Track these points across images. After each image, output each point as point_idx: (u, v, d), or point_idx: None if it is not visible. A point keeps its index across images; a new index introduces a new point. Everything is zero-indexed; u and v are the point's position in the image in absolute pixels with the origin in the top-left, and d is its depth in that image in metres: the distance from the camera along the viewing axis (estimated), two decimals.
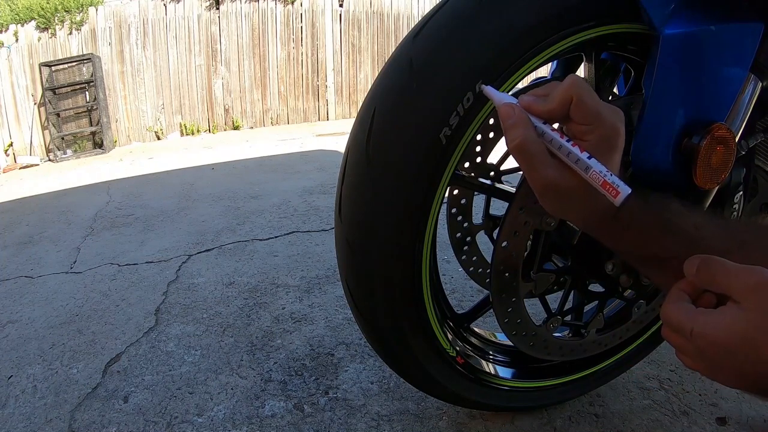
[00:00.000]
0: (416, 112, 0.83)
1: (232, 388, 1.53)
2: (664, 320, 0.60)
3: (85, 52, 7.97)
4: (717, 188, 0.94)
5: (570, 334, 1.23)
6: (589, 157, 0.58)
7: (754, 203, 1.25)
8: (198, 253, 2.74)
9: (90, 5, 7.96)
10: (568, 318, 1.18)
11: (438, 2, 0.86)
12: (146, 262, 2.67)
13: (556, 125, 0.63)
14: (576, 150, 0.58)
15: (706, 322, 0.55)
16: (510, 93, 0.90)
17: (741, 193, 1.05)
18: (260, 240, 2.86)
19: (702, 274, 0.57)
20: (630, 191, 0.56)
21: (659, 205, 0.65)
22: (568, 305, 1.17)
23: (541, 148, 0.61)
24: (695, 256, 0.59)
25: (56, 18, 7.88)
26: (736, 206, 1.06)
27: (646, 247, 0.65)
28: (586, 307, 1.20)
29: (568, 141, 0.59)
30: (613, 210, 0.62)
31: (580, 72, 1.06)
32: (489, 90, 0.67)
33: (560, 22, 0.84)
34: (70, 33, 7.96)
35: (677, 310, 0.58)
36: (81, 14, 7.93)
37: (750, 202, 1.21)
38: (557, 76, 1.11)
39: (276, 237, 2.89)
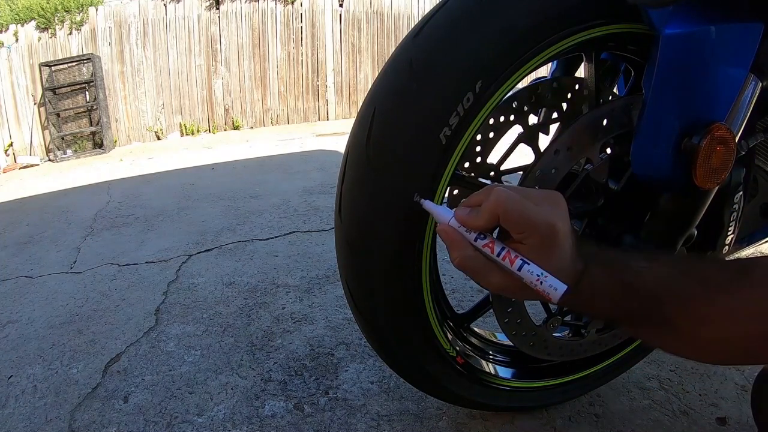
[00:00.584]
0: (416, 112, 0.83)
1: (232, 388, 1.53)
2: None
3: (85, 52, 7.98)
4: (717, 188, 0.94)
5: (570, 334, 1.23)
6: (521, 265, 0.63)
7: (754, 203, 1.25)
8: (198, 253, 2.74)
9: (90, 5, 7.96)
10: (568, 318, 1.18)
11: (438, 2, 0.86)
12: (146, 262, 2.67)
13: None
14: (506, 263, 0.64)
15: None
16: (508, 96, 0.91)
17: (741, 193, 1.05)
18: (260, 240, 2.86)
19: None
20: (565, 289, 0.61)
21: (617, 269, 0.68)
22: None
23: (480, 261, 0.66)
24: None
25: (56, 18, 7.88)
26: (736, 206, 1.06)
27: (610, 311, 0.68)
28: None
29: (502, 250, 0.64)
30: (575, 281, 0.66)
31: (580, 72, 1.06)
32: (427, 204, 0.73)
33: (560, 23, 0.84)
34: (70, 33, 7.97)
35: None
36: (81, 14, 7.94)
37: (750, 202, 1.21)
38: (557, 76, 1.11)
39: (276, 237, 2.89)
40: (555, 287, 0.61)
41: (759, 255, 0.75)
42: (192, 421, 1.41)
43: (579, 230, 1.04)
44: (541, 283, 0.61)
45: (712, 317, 0.62)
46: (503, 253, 0.64)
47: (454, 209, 0.69)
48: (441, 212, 0.70)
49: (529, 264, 0.62)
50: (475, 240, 0.66)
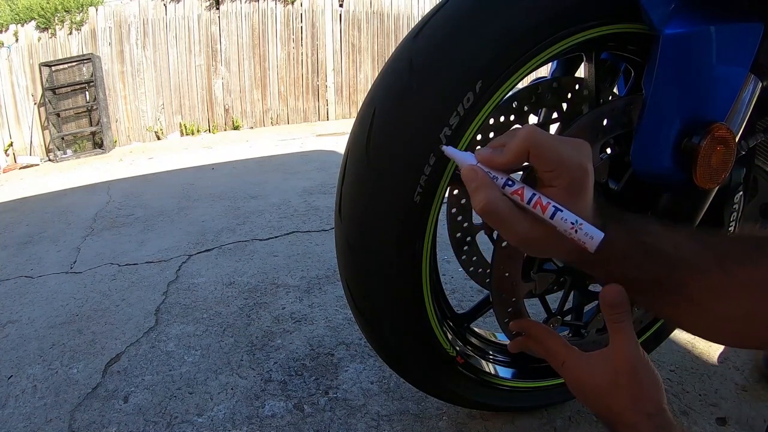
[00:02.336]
0: (416, 112, 0.83)
1: (232, 388, 1.53)
2: (540, 343, 0.65)
3: (85, 52, 7.98)
4: (717, 188, 0.94)
5: (570, 334, 1.23)
6: (555, 210, 0.57)
7: (754, 203, 1.25)
8: (198, 253, 2.74)
9: (90, 5, 7.96)
10: (568, 318, 1.18)
11: (438, 2, 0.86)
12: (146, 262, 2.67)
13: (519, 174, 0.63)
14: (538, 210, 0.58)
15: (579, 360, 0.66)
16: (508, 96, 0.91)
17: (741, 193, 1.05)
18: (260, 240, 2.86)
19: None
20: (602, 237, 0.56)
21: (638, 230, 0.64)
22: (568, 305, 1.18)
23: (508, 206, 0.60)
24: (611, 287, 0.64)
25: (56, 18, 7.88)
26: (736, 206, 1.06)
27: (628, 273, 0.64)
28: (586, 307, 1.20)
29: (533, 196, 0.59)
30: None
31: (580, 72, 1.06)
32: (450, 150, 0.67)
33: (560, 22, 0.84)
34: (70, 33, 7.96)
35: (555, 339, 0.67)
36: (81, 14, 7.94)
37: (750, 202, 1.21)
38: (557, 76, 1.11)
39: (276, 237, 2.89)
40: (591, 235, 0.57)
41: None
42: (192, 421, 1.41)
43: None
44: (576, 231, 0.57)
45: (730, 291, 0.59)
46: (534, 199, 0.59)
47: (475, 151, 0.64)
48: (465, 156, 0.64)
49: (562, 210, 0.57)
50: (503, 186, 0.60)
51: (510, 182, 0.60)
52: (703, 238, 0.66)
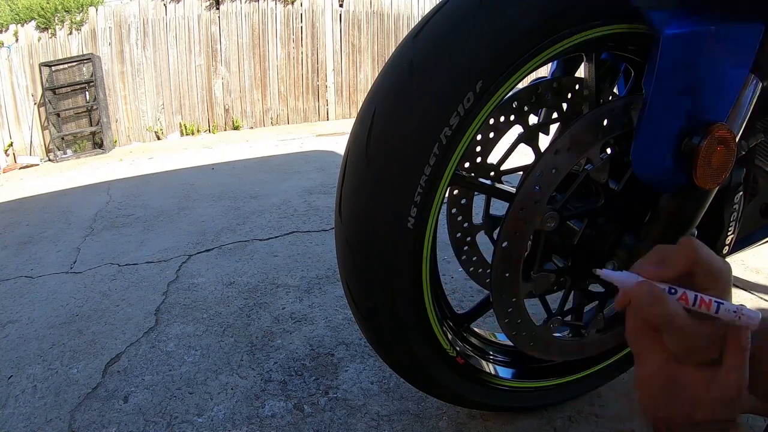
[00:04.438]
0: (417, 112, 0.83)
1: (232, 388, 1.53)
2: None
3: (85, 52, 7.97)
4: (717, 188, 0.94)
5: (570, 335, 1.23)
6: (718, 306, 0.59)
7: (754, 203, 1.25)
8: (198, 253, 2.74)
9: (90, 5, 7.96)
10: (568, 318, 1.18)
11: (438, 2, 0.86)
12: (146, 262, 2.67)
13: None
14: (703, 309, 0.60)
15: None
16: (508, 96, 0.91)
17: (741, 193, 1.05)
18: (260, 240, 2.86)
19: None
20: (759, 315, 0.58)
21: None
22: (569, 305, 1.17)
23: (685, 315, 0.60)
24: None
25: (56, 18, 7.88)
26: (736, 206, 1.06)
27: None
28: (586, 308, 1.20)
29: (696, 298, 0.60)
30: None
31: (580, 72, 1.06)
32: (608, 273, 0.67)
33: (560, 23, 0.84)
34: (70, 33, 7.96)
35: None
36: (81, 14, 7.93)
37: (750, 202, 1.21)
38: (557, 76, 1.11)
39: (276, 237, 2.89)
40: (751, 316, 0.59)
41: None
42: (192, 421, 1.41)
43: (579, 230, 1.04)
44: (740, 318, 0.59)
45: None
46: (698, 299, 0.60)
47: (634, 269, 0.65)
48: (627, 276, 0.65)
49: (723, 303, 0.59)
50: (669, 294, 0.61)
51: (673, 290, 0.61)
52: None
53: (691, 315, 0.60)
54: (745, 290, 2.03)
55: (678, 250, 0.61)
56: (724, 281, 0.61)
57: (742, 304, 0.58)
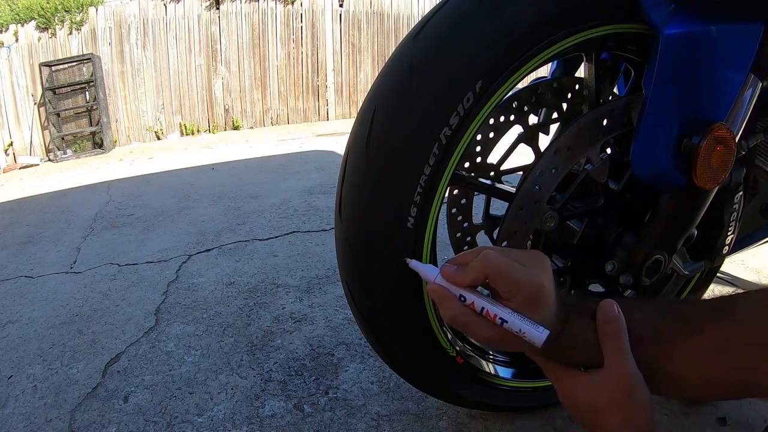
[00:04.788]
0: (416, 112, 0.83)
1: (232, 388, 1.53)
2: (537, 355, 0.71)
3: (85, 52, 7.98)
4: (717, 188, 0.95)
5: None
6: (501, 321, 0.67)
7: (754, 203, 1.25)
8: (198, 253, 2.74)
9: (90, 5, 7.96)
10: None
11: (438, 2, 0.87)
12: (146, 262, 2.67)
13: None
14: (495, 308, 0.68)
15: (574, 376, 0.70)
16: (508, 96, 0.91)
17: (741, 193, 1.05)
18: (260, 240, 2.86)
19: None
20: (547, 334, 0.65)
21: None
22: None
23: (470, 316, 0.69)
24: None
25: (56, 18, 7.88)
26: (736, 206, 1.06)
27: (593, 357, 0.68)
28: None
29: (482, 310, 0.69)
30: (557, 333, 0.69)
31: (580, 72, 1.06)
32: (414, 264, 0.80)
33: (560, 23, 0.84)
34: (70, 33, 7.97)
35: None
36: (81, 14, 7.94)
37: (750, 202, 1.21)
38: (557, 76, 1.11)
39: (276, 237, 2.89)
40: (534, 337, 0.65)
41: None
42: (192, 421, 1.41)
43: (579, 230, 1.04)
44: (525, 334, 0.66)
45: (692, 356, 0.64)
46: (485, 310, 0.68)
47: (440, 267, 0.73)
48: (427, 271, 0.76)
49: (507, 321, 0.67)
50: (459, 299, 0.70)
51: (463, 297, 0.70)
52: (665, 306, 0.74)
53: (482, 318, 0.69)
54: (746, 290, 2.03)
55: (476, 261, 0.69)
56: (525, 294, 0.67)
57: (535, 326, 0.66)
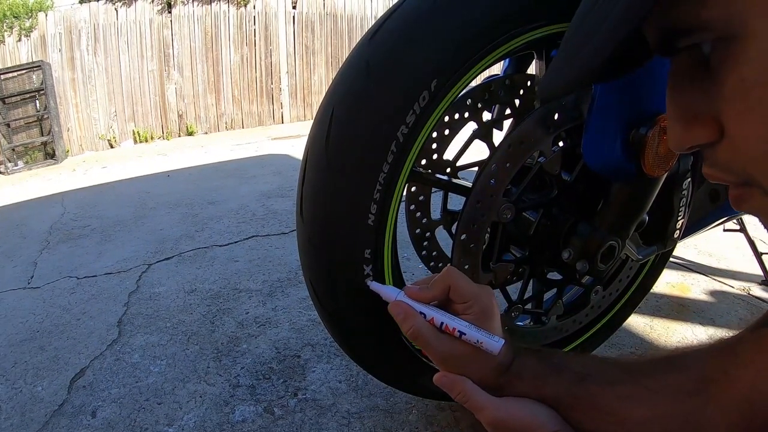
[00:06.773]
0: (374, 112, 0.85)
1: (200, 396, 1.52)
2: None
3: (34, 59, 7.78)
4: (666, 175, 0.98)
5: (531, 322, 1.26)
6: (461, 334, 0.72)
7: (703, 190, 1.30)
8: (158, 261, 2.71)
9: (39, 10, 7.77)
10: (528, 306, 1.21)
11: (394, 4, 0.88)
12: (105, 274, 2.63)
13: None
14: (453, 322, 0.73)
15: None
16: (463, 93, 0.93)
17: (689, 179, 1.09)
18: (220, 246, 2.84)
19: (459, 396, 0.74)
20: (503, 342, 0.71)
21: (546, 354, 0.77)
22: (528, 294, 1.21)
23: (431, 330, 0.74)
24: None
25: (5, 24, 7.67)
26: (685, 192, 1.10)
27: (542, 390, 0.73)
28: (546, 295, 1.24)
29: (442, 322, 0.74)
30: (507, 363, 0.74)
31: (532, 69, 1.09)
32: (375, 286, 0.86)
33: (510, 23, 0.87)
34: (20, 39, 7.75)
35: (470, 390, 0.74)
36: (30, 20, 7.74)
37: (699, 188, 1.26)
38: (509, 73, 1.14)
39: (236, 242, 2.88)
40: (491, 346, 0.70)
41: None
42: (163, 431, 1.40)
43: (535, 221, 1.07)
44: (482, 345, 0.71)
45: (641, 398, 0.67)
46: (444, 324, 0.73)
47: (403, 288, 0.79)
48: (388, 291, 0.81)
49: (466, 333, 0.71)
50: (428, 308, 0.75)
51: (423, 313, 0.75)
52: (606, 358, 0.79)
53: (445, 337, 0.74)
54: (700, 273, 2.10)
55: (439, 278, 0.76)
56: (479, 308, 0.74)
57: (491, 336, 0.71)
